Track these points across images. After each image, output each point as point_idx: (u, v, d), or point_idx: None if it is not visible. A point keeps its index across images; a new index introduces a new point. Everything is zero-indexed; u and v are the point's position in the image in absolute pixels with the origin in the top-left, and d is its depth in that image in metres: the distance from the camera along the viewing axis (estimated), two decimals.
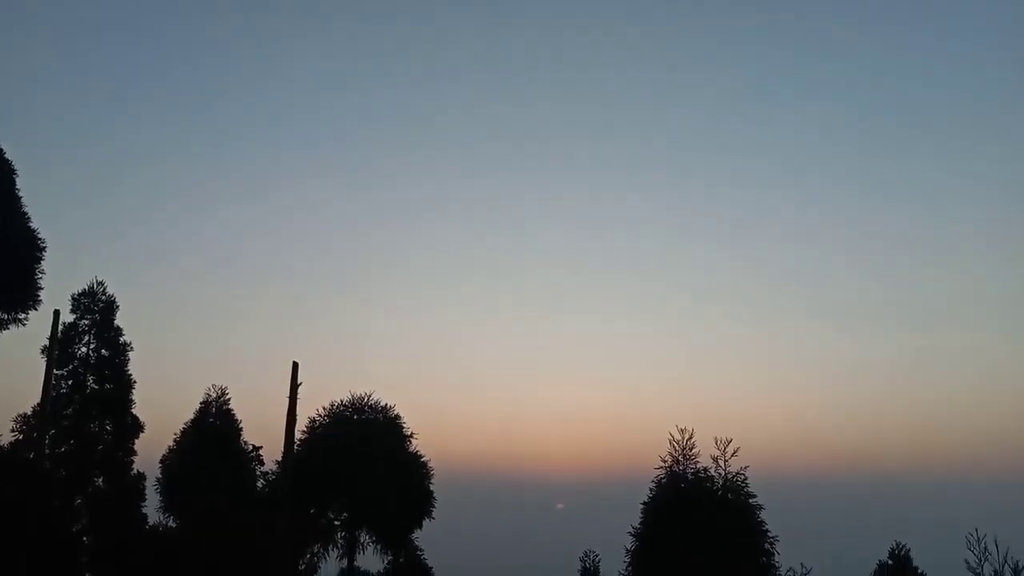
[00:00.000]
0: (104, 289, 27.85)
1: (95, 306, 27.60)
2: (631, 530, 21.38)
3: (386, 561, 27.12)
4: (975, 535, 17.51)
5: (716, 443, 21.10)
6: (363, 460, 26.24)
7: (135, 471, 27.10)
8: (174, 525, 26.78)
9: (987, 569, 17.43)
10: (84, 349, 27.28)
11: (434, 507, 27.42)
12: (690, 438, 21.52)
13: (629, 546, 21.31)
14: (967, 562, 17.63)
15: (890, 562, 21.74)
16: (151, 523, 26.91)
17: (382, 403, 27.87)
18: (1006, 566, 17.33)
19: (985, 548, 17.44)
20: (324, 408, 27.83)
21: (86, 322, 27.43)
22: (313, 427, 27.60)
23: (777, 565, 20.76)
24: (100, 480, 26.72)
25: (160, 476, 26.95)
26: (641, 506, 21.48)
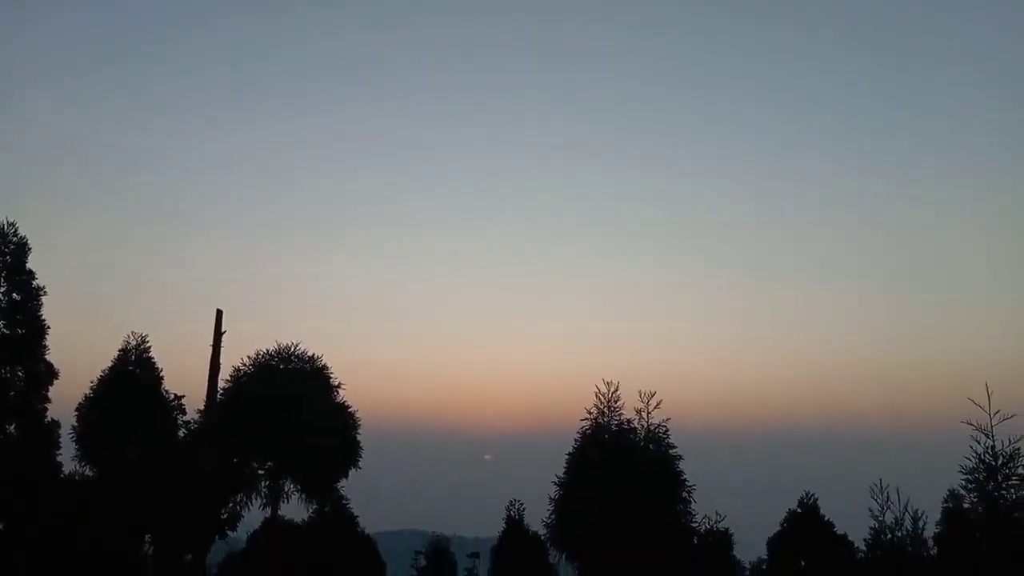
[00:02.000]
0: (16, 230, 26.49)
1: (6, 248, 26.25)
2: (556, 480, 21.86)
3: (311, 510, 27.07)
4: (879, 485, 18.45)
5: (640, 396, 21.63)
6: (288, 410, 26.00)
7: (49, 419, 26.20)
8: (90, 474, 26.15)
9: (889, 516, 18.42)
10: None
11: (361, 456, 27.45)
12: (615, 391, 21.99)
13: (553, 495, 21.80)
14: (871, 510, 18.59)
15: (799, 511, 22.71)
16: (66, 472, 26.20)
17: (309, 353, 27.58)
18: (906, 514, 18.34)
19: (888, 497, 18.41)
20: (249, 357, 27.41)
21: None
22: (238, 376, 27.17)
23: (693, 512, 21.53)
24: (12, 427, 25.79)
25: (76, 424, 26.19)
26: (566, 456, 21.96)
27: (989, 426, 16.96)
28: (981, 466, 17.03)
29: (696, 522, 21.66)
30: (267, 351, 27.41)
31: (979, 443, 17.04)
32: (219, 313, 27.04)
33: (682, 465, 21.50)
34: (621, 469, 20.84)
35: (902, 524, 18.36)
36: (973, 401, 16.80)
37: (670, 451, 21.50)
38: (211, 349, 26.76)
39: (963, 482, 17.47)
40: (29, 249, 26.64)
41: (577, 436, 21.96)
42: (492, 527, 25.73)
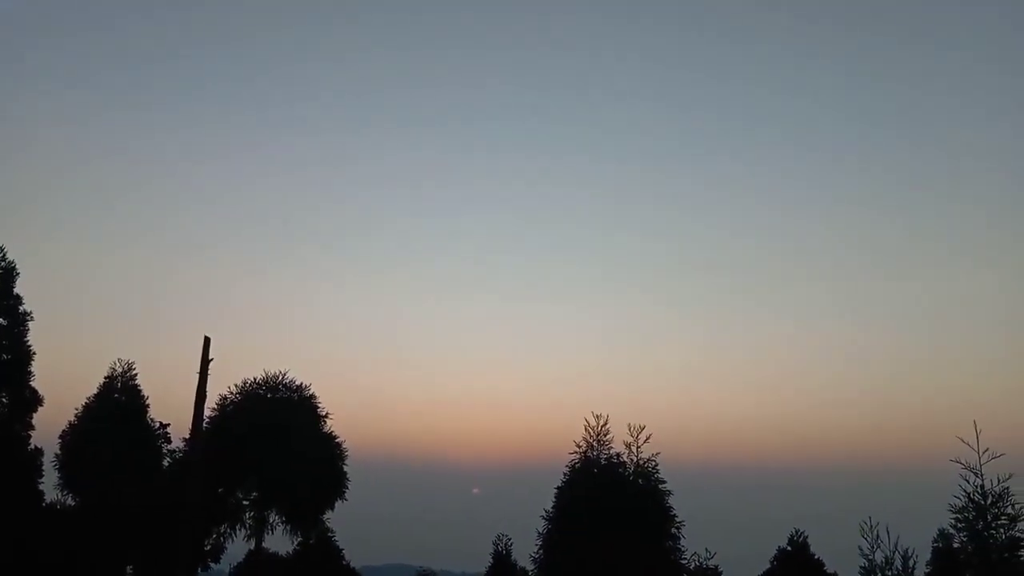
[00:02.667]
0: (3, 255, 26.45)
1: None
2: (544, 514, 21.62)
3: (296, 542, 26.72)
4: (868, 523, 18.32)
5: (630, 429, 21.47)
6: (275, 439, 25.76)
7: (32, 446, 25.91)
8: (73, 503, 25.76)
9: (879, 555, 18.27)
10: None
11: (347, 488, 27.17)
12: (605, 424, 21.83)
13: (541, 529, 21.55)
14: (860, 548, 18.44)
15: (789, 548, 22.58)
16: (48, 500, 25.81)
17: (297, 382, 27.42)
18: (896, 552, 18.20)
19: (877, 536, 18.27)
20: (236, 385, 27.26)
21: None
22: (224, 405, 26.95)
23: (683, 549, 21.30)
24: None
25: (59, 452, 25.86)
26: (555, 491, 21.74)
27: (978, 464, 16.87)
28: (970, 505, 16.91)
29: (685, 559, 21.41)
30: (254, 379, 27.26)
31: (968, 482, 16.96)
32: (207, 340, 26.79)
33: (672, 500, 21.31)
34: (610, 504, 20.64)
35: (892, 563, 18.17)
36: (962, 439, 16.73)
37: (660, 486, 21.30)
38: (198, 377, 26.52)
39: (952, 521, 17.36)
40: (17, 274, 26.54)
41: (566, 470, 21.75)
42: (479, 562, 25.46)
